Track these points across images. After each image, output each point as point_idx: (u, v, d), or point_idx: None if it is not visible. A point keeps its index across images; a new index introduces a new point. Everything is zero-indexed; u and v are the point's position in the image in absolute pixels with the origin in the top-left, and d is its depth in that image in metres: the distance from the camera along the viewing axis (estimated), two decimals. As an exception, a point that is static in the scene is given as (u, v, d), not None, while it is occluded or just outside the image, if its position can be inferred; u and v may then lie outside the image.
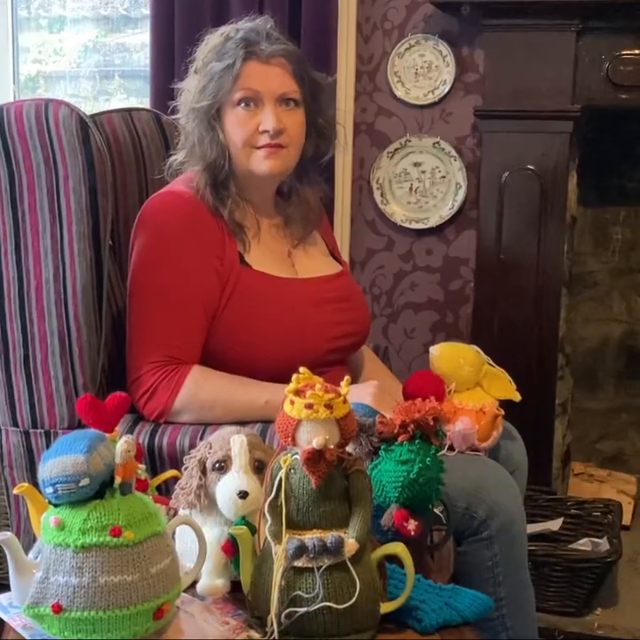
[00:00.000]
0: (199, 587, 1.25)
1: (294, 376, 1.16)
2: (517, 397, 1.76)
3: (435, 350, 1.76)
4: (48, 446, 1.34)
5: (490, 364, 1.78)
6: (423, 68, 2.74)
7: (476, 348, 1.79)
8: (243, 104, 1.69)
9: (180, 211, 1.71)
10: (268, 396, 1.62)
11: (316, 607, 1.11)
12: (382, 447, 1.32)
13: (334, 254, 1.95)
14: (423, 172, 2.78)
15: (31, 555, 1.20)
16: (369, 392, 1.62)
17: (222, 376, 1.67)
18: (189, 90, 1.75)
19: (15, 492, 1.28)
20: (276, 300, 1.72)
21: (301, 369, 1.17)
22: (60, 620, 1.09)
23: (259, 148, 1.70)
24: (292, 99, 1.72)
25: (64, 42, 3.17)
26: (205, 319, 1.68)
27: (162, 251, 1.69)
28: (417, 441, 1.29)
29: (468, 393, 1.73)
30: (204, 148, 1.71)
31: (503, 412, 1.72)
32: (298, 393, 1.14)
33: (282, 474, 1.15)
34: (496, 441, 1.71)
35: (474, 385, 1.74)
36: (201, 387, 1.65)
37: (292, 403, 1.14)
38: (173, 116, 1.82)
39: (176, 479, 1.36)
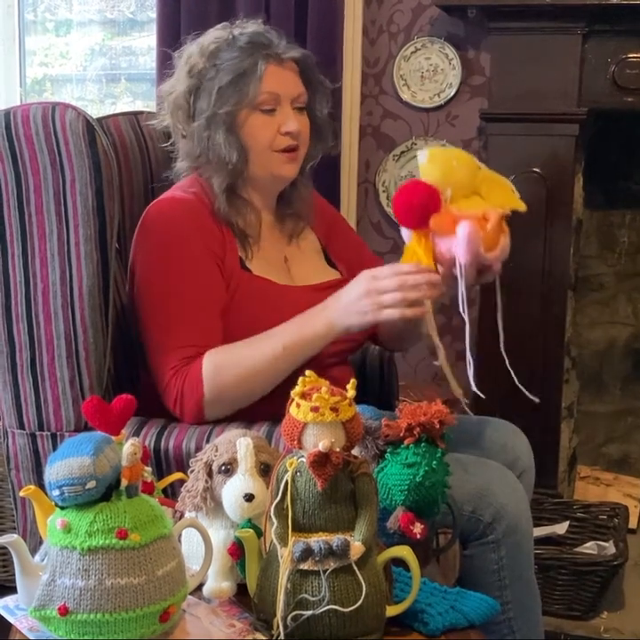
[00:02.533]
0: (205, 589, 1.25)
1: (300, 379, 1.16)
2: (522, 207, 1.52)
3: (423, 155, 1.51)
4: (54, 449, 1.35)
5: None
6: (429, 71, 2.74)
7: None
8: (264, 107, 1.70)
9: (180, 214, 1.71)
10: (281, 342, 1.60)
11: (321, 610, 1.11)
12: (388, 450, 1.32)
13: (333, 261, 1.93)
14: (429, 174, 2.77)
15: (37, 557, 1.20)
16: (364, 286, 1.58)
17: (231, 350, 1.64)
18: (182, 95, 1.74)
19: (21, 494, 1.28)
20: (275, 305, 1.71)
21: (307, 372, 1.17)
22: (66, 622, 1.09)
23: (279, 151, 1.71)
24: (302, 101, 1.73)
25: (70, 45, 3.18)
26: (219, 310, 1.67)
27: (165, 255, 1.69)
28: (423, 444, 1.29)
29: (465, 201, 1.50)
30: (223, 152, 1.69)
31: (509, 212, 1.47)
32: (304, 396, 1.14)
33: (288, 477, 1.14)
34: (506, 251, 1.47)
35: (470, 192, 1.52)
36: (219, 369, 1.62)
37: (298, 406, 1.14)
38: (156, 121, 1.82)
39: (182, 482, 1.36)
